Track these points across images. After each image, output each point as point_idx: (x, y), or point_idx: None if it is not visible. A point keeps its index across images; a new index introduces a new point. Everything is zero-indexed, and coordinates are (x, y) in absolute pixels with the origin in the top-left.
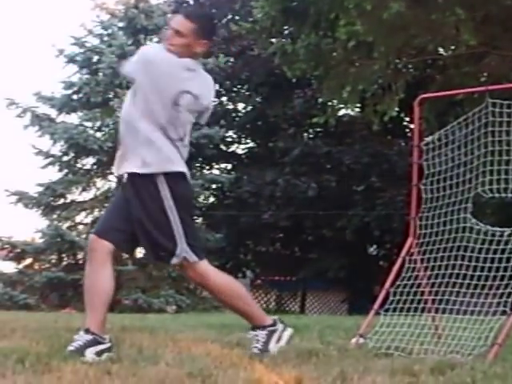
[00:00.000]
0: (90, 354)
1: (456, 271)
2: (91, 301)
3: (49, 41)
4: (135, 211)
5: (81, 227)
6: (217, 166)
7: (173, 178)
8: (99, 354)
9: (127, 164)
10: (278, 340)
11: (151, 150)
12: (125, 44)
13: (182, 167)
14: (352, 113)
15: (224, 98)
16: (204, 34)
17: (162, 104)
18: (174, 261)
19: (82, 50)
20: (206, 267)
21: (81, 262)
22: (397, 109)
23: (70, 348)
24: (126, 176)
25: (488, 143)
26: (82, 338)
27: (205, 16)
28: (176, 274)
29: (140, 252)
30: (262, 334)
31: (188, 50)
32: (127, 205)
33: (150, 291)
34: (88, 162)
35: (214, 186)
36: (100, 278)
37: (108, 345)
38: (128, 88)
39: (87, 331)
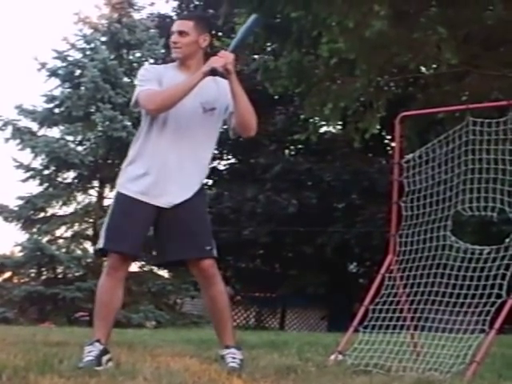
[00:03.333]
0: (104, 362)
1: (435, 289)
2: (105, 315)
3: (31, 54)
4: (193, 215)
5: (61, 241)
6: None
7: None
8: (107, 362)
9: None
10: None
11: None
12: (107, 58)
13: None
14: (333, 130)
15: None
16: (204, 27)
17: None
18: (215, 253)
19: (64, 64)
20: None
21: (60, 276)
22: (378, 127)
23: (86, 359)
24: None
25: (468, 161)
26: (96, 348)
27: (198, 13)
28: (156, 289)
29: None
30: (237, 352)
31: (196, 47)
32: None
33: (130, 306)
34: (69, 175)
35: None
36: (117, 295)
37: (109, 356)
38: (110, 103)
39: (99, 341)
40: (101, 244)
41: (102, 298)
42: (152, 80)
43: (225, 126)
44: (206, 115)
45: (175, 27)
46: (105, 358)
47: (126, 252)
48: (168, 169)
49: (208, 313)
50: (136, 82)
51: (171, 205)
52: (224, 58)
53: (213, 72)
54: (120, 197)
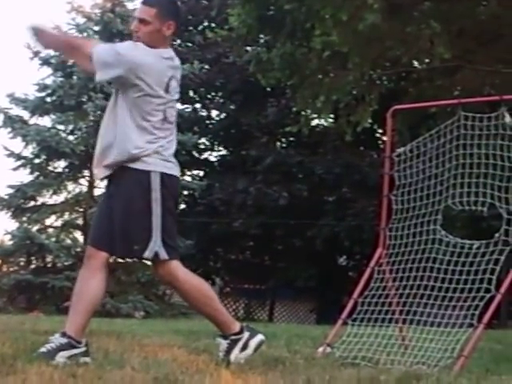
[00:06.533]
0: (60, 357)
1: (424, 283)
2: (75, 305)
3: (24, 43)
4: (117, 203)
5: (51, 230)
6: (189, 173)
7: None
8: (71, 358)
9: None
10: (244, 348)
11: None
12: None
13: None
14: (325, 123)
15: (198, 105)
16: (168, 15)
17: None
18: (146, 254)
19: (56, 53)
20: (175, 267)
21: (49, 265)
22: (370, 120)
23: (42, 349)
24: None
25: (459, 156)
26: (56, 340)
27: None
28: (145, 279)
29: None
30: (224, 343)
31: (158, 35)
32: (108, 200)
33: (118, 296)
34: (60, 165)
35: (185, 193)
36: (91, 285)
37: (83, 349)
38: (102, 92)
39: (63, 334)
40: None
41: (75, 287)
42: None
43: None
44: None
45: (136, 13)
46: (60, 354)
47: (95, 240)
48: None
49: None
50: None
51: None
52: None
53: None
54: None
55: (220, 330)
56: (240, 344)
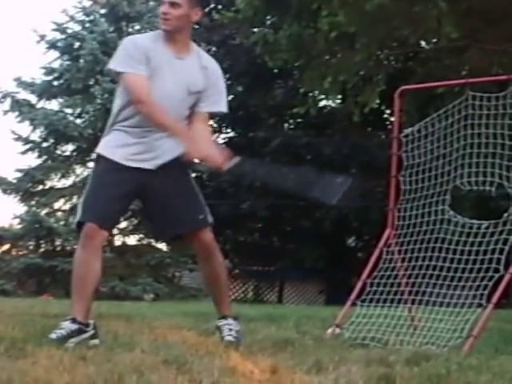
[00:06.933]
0: (71, 343)
1: (433, 263)
2: (82, 289)
3: (30, 26)
4: (183, 187)
5: (59, 214)
6: None
7: None
8: (81, 343)
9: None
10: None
11: None
12: (106, 31)
13: None
14: (333, 104)
15: None
16: (197, 1)
17: None
18: (210, 220)
19: (63, 36)
20: None
21: (58, 248)
22: (377, 101)
23: (52, 336)
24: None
25: (467, 136)
26: (67, 327)
27: None
28: (154, 262)
29: (119, 240)
30: (233, 323)
31: (186, 20)
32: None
33: (128, 279)
34: (68, 148)
35: (193, 175)
36: (94, 267)
37: (91, 332)
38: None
39: (74, 321)
40: (77, 217)
41: (77, 271)
42: (140, 60)
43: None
44: (190, 97)
45: None
46: (73, 340)
47: (98, 223)
48: (153, 139)
49: (205, 284)
50: (121, 52)
51: (155, 166)
52: (215, 159)
53: (186, 158)
54: (102, 161)
55: (223, 309)
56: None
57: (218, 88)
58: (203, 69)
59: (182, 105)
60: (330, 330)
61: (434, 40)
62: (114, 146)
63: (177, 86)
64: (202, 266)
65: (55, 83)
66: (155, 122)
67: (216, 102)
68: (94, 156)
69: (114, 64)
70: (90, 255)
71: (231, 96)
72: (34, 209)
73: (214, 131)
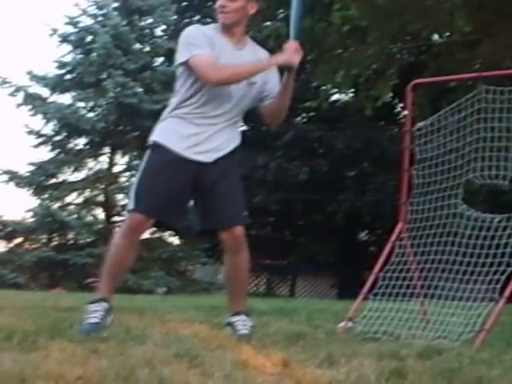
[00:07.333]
0: (108, 323)
1: (445, 257)
2: (113, 273)
3: (43, 20)
4: (230, 182)
5: (72, 207)
6: None
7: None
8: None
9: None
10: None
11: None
12: (119, 24)
13: None
14: (345, 98)
15: None
16: None
17: None
18: (247, 219)
19: (75, 30)
20: None
21: (71, 242)
22: (390, 94)
23: (91, 320)
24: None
25: (480, 129)
26: (100, 308)
27: None
28: (166, 255)
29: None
30: (247, 318)
31: (243, 13)
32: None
33: (140, 272)
34: (80, 142)
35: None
36: (130, 256)
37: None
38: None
39: (104, 300)
40: (130, 205)
41: (115, 256)
42: (206, 44)
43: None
44: (248, 88)
45: None
46: (109, 319)
47: (150, 215)
48: (211, 131)
49: (227, 279)
50: (185, 40)
51: (212, 159)
52: (299, 54)
53: (288, 67)
54: (159, 150)
55: (238, 306)
56: None
57: (276, 76)
58: (259, 60)
59: (242, 96)
60: (341, 324)
61: (447, 34)
62: (171, 134)
63: None
64: (227, 259)
65: (68, 77)
66: (239, 77)
67: (276, 87)
68: (150, 142)
69: (179, 58)
70: (128, 245)
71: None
72: (46, 202)
73: None
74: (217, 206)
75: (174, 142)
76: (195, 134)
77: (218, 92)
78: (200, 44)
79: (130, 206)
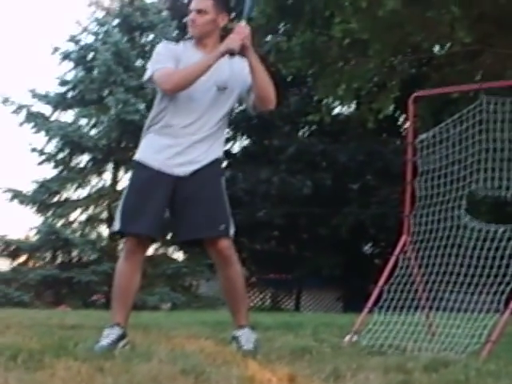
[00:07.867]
0: (120, 348)
1: (450, 269)
2: (123, 299)
3: (44, 38)
4: (209, 193)
5: (75, 225)
6: None
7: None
8: (124, 346)
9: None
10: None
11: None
12: (120, 41)
13: None
14: (347, 111)
15: None
16: (223, 6)
17: None
18: (232, 232)
19: (77, 48)
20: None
21: (75, 259)
22: (392, 107)
23: (103, 343)
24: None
25: (482, 141)
26: (113, 333)
27: None
28: (171, 271)
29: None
30: (251, 332)
31: (214, 26)
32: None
33: (145, 288)
34: (83, 159)
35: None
36: (135, 279)
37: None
38: (123, 86)
39: (118, 325)
40: (117, 226)
41: (120, 282)
42: (169, 58)
43: (239, 107)
44: (219, 93)
45: (194, 5)
46: (121, 343)
47: (144, 234)
48: (187, 143)
49: (223, 293)
50: (152, 58)
51: (189, 171)
52: (240, 35)
53: (230, 52)
54: (137, 167)
55: (240, 319)
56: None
57: (246, 67)
58: (228, 61)
59: (213, 103)
60: (347, 338)
61: (448, 45)
62: (149, 150)
63: (207, 86)
64: (219, 274)
65: (69, 94)
66: (191, 76)
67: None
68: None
69: (144, 76)
70: (131, 268)
71: (245, 104)
72: (50, 220)
73: (229, 139)
74: (190, 218)
75: (151, 157)
76: (170, 146)
77: (184, 101)
78: (162, 60)
79: (116, 227)
